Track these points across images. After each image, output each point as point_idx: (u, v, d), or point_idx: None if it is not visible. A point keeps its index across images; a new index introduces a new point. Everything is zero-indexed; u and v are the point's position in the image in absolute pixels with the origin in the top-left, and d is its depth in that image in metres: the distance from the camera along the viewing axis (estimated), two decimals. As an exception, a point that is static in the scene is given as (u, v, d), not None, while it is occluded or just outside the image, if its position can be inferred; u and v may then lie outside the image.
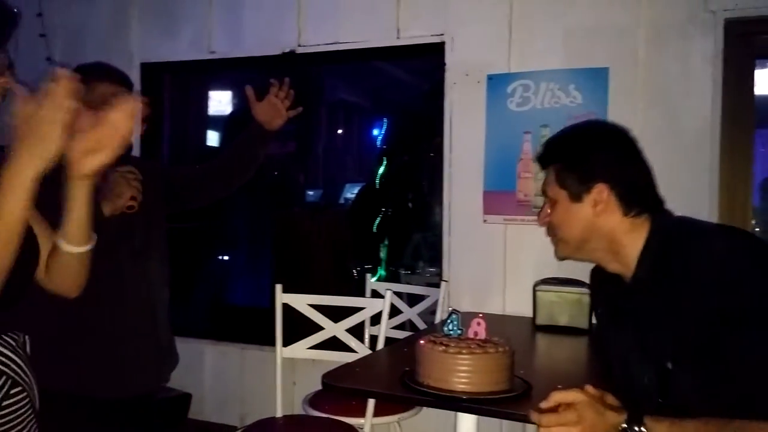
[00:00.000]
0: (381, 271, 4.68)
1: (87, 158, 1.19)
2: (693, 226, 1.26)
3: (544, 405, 1.12)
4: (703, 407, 1.10)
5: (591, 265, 1.43)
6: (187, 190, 2.05)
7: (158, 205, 1.91)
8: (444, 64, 2.81)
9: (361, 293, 2.78)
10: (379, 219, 4.79)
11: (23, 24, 3.54)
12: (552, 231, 1.36)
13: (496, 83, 2.73)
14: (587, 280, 2.27)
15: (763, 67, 2.59)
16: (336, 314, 2.23)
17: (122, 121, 1.20)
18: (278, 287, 2.22)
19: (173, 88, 3.63)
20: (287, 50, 3.08)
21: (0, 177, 1.12)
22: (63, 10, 3.39)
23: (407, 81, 4.87)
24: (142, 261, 1.82)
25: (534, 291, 2.36)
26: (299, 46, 3.06)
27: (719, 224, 1.33)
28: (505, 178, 2.70)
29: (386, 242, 4.75)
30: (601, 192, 1.26)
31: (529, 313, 2.41)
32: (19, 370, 1.23)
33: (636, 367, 1.26)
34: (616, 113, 2.48)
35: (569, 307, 2.29)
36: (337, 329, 2.19)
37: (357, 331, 2.31)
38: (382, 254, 4.76)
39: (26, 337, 1.32)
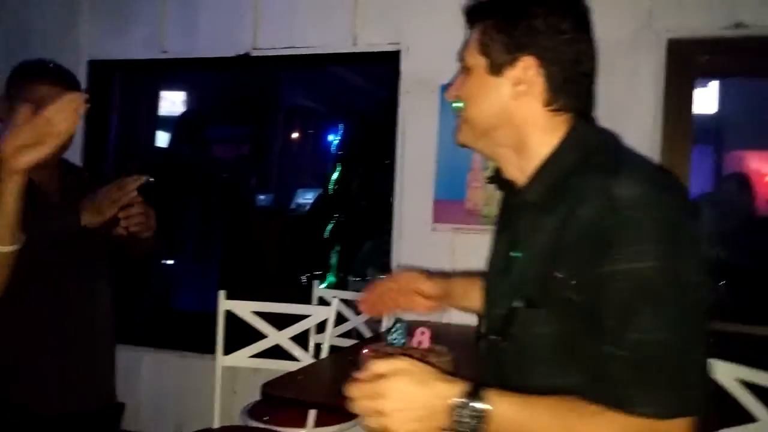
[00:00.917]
0: (331, 278, 4.65)
1: (21, 154, 1.17)
2: (612, 151, 0.99)
3: (359, 375, 0.90)
4: (540, 356, 0.95)
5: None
6: None
7: None
8: (399, 72, 2.82)
9: (308, 300, 2.76)
10: (331, 225, 4.77)
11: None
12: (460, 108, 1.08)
13: (449, 93, 2.74)
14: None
15: (702, 85, 2.68)
16: (282, 322, 2.20)
17: (60, 117, 1.18)
18: (221, 293, 2.18)
19: (123, 86, 3.54)
20: (242, 53, 3.04)
21: None
22: (7, 4, 3.28)
23: (364, 87, 4.88)
24: (86, 273, 1.75)
25: (480, 301, 2.37)
26: (254, 48, 3.03)
27: (646, 163, 1.01)
28: (455, 188, 2.72)
29: (337, 248, 4.73)
30: (527, 68, 0.99)
31: (475, 323, 2.42)
32: None
33: (495, 294, 1.07)
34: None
35: (514, 317, 2.31)
36: (281, 337, 2.16)
37: (302, 340, 2.29)
38: (333, 261, 4.74)
39: None
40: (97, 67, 3.27)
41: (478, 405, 0.85)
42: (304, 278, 4.42)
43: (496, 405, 0.85)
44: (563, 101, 1.00)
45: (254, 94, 5.25)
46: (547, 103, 1.00)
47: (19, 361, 1.60)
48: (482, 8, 1.06)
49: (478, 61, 1.04)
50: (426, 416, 0.86)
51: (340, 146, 5.91)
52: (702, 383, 0.86)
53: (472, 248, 2.70)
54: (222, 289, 2.21)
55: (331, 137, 6.26)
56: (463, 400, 0.85)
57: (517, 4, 1.02)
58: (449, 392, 0.86)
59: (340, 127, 6.00)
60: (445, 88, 1.09)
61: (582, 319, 0.90)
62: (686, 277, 0.87)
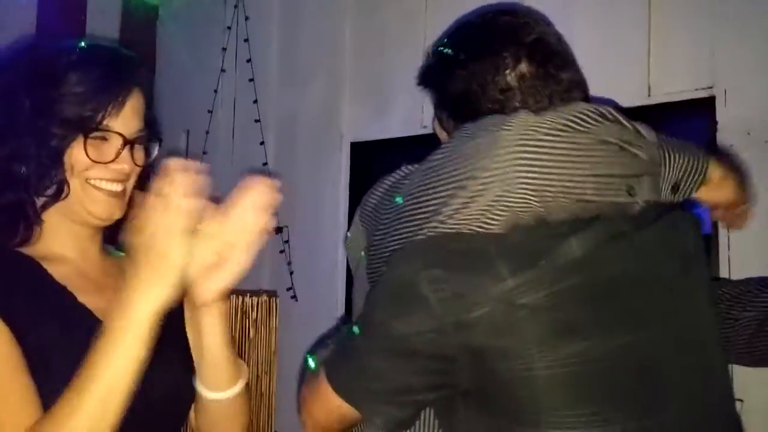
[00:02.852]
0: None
1: (207, 279, 0.89)
2: None
3: None
4: None
5: None
6: None
7: None
8: (715, 122, 2.25)
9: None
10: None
11: (241, 110, 3.56)
12: None
13: (794, 143, 2.09)
14: None
15: None
16: None
17: (250, 219, 0.88)
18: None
19: (383, 166, 3.42)
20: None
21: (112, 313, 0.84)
22: (277, 96, 3.39)
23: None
24: None
25: None
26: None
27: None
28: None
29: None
30: None
31: None
32: None
33: None
34: None
35: None
36: None
37: None
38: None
39: None
40: (358, 149, 3.20)
41: None
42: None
43: None
44: None
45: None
46: None
47: None
48: (423, 79, 1.07)
49: (442, 135, 1.08)
50: None
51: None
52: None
53: None
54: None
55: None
56: None
57: (449, 71, 0.99)
58: None
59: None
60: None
61: None
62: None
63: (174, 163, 0.84)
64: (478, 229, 0.88)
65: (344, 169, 3.18)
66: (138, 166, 1.10)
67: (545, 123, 0.88)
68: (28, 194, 1.04)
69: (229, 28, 3.40)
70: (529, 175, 0.87)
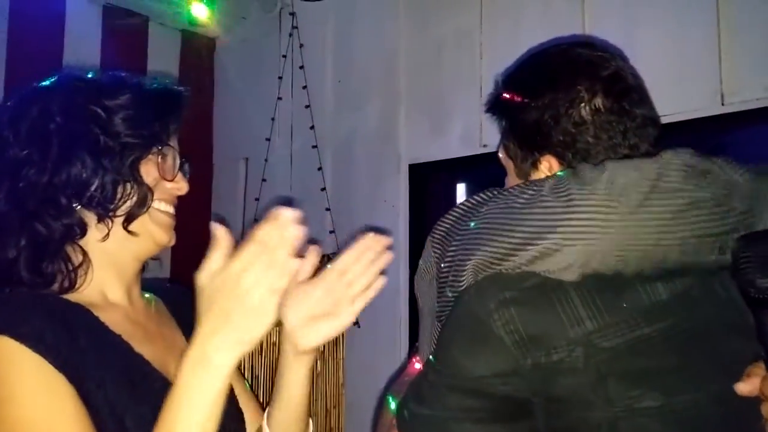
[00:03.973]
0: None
1: (309, 328, 0.90)
2: None
3: None
4: None
5: None
6: None
7: None
8: (798, 130, 2.11)
9: None
10: None
11: (298, 137, 3.55)
12: None
13: None
14: None
15: None
16: None
17: (361, 274, 0.90)
18: None
19: (442, 186, 3.36)
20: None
21: (181, 365, 0.77)
22: (333, 121, 3.39)
23: (735, 150, 4.06)
24: None
25: None
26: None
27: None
28: None
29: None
30: (550, 167, 0.97)
31: None
32: None
33: None
34: None
35: None
36: None
37: None
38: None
39: None
40: (417, 170, 3.16)
41: None
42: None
43: None
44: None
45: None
46: None
47: None
48: (493, 103, 1.05)
49: (507, 163, 1.05)
50: None
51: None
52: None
53: None
54: None
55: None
56: None
57: (518, 99, 0.99)
58: None
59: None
60: None
61: None
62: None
63: (285, 216, 0.76)
64: (554, 276, 0.85)
65: (403, 191, 3.14)
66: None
67: (639, 185, 0.84)
68: (104, 211, 1.00)
69: (284, 56, 3.44)
70: (615, 237, 0.83)
